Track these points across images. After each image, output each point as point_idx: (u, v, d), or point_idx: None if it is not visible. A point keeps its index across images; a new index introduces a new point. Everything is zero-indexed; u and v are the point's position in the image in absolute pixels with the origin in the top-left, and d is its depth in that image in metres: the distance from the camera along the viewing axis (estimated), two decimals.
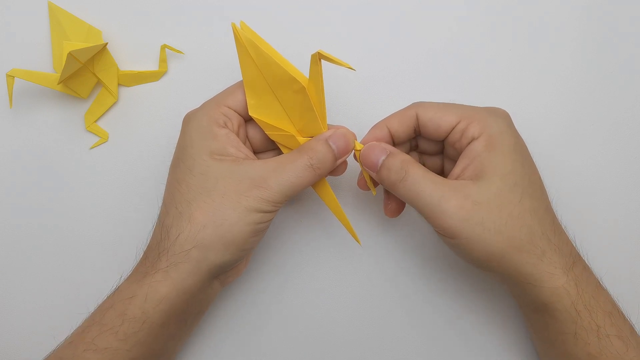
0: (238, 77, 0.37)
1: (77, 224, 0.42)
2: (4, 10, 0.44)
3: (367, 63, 0.43)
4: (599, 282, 0.34)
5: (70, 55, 0.38)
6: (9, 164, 0.43)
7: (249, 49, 0.34)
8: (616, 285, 0.36)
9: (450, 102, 0.37)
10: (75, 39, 0.42)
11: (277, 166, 0.34)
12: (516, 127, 0.36)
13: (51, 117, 0.43)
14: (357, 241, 0.38)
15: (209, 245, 0.33)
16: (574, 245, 0.35)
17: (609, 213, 0.42)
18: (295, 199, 0.42)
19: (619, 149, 0.43)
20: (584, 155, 0.43)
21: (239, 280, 0.41)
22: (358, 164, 0.37)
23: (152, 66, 0.43)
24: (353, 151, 0.36)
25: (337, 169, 0.36)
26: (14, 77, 0.40)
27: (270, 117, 0.35)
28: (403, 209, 0.39)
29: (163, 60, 0.43)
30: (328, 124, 0.36)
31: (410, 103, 0.36)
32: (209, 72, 0.43)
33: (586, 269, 0.34)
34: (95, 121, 0.43)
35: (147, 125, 0.43)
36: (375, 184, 0.38)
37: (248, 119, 0.37)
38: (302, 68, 0.35)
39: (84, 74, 0.41)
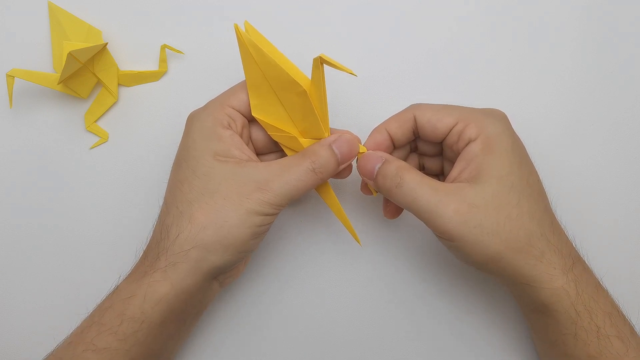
0: (238, 76, 0.37)
1: (77, 224, 0.42)
2: (4, 10, 0.44)
3: (367, 63, 0.43)
4: (599, 283, 0.34)
5: (70, 55, 0.38)
6: (9, 164, 0.43)
7: (251, 51, 0.34)
8: (616, 286, 0.36)
9: (450, 102, 0.37)
10: (75, 39, 0.42)
11: (279, 169, 0.34)
12: (516, 127, 0.36)
13: (51, 117, 0.43)
14: (358, 242, 0.38)
15: (209, 246, 0.32)
16: (574, 245, 0.35)
17: (609, 213, 0.42)
18: (297, 201, 0.42)
19: (619, 149, 0.43)
20: (584, 155, 0.43)
21: (239, 280, 0.41)
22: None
23: (152, 66, 0.43)
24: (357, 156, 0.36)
25: (341, 172, 0.36)
26: (14, 77, 0.40)
27: (273, 118, 0.35)
28: (402, 211, 0.39)
29: (163, 60, 0.43)
30: (332, 128, 0.36)
31: (410, 104, 0.36)
32: (209, 72, 0.43)
33: (586, 269, 0.34)
34: (95, 121, 0.43)
35: (147, 125, 0.43)
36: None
37: (251, 120, 0.37)
38: (302, 68, 0.35)
39: (84, 74, 0.41)
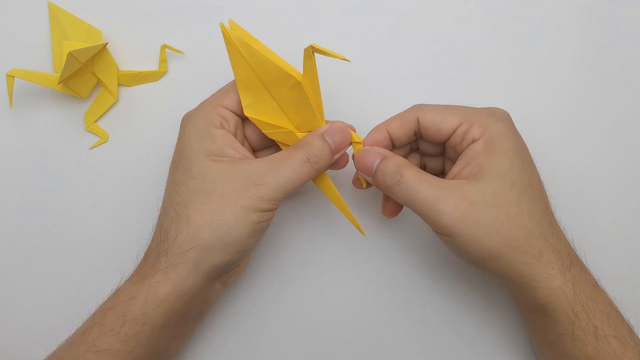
0: None
1: (77, 224, 0.42)
2: (4, 10, 0.44)
3: (367, 63, 0.43)
4: (597, 283, 0.34)
5: (70, 55, 0.38)
6: (9, 164, 0.43)
7: (240, 48, 0.33)
8: (616, 286, 0.36)
9: (450, 102, 0.37)
10: (75, 39, 0.42)
11: (273, 163, 0.34)
12: (516, 127, 0.36)
13: (51, 117, 0.43)
14: (362, 232, 0.38)
15: (208, 246, 0.32)
16: (572, 246, 0.35)
17: (608, 213, 0.42)
18: (295, 198, 0.42)
19: (619, 149, 0.43)
20: (584, 155, 0.43)
21: (240, 280, 0.41)
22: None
23: (152, 66, 0.43)
24: (352, 147, 0.36)
25: (338, 162, 0.36)
26: (14, 77, 0.40)
27: (267, 115, 0.35)
28: (401, 210, 0.39)
29: (163, 60, 0.43)
30: (326, 120, 0.36)
31: (411, 104, 0.36)
32: (209, 72, 0.43)
33: (584, 270, 0.34)
34: (95, 121, 0.43)
35: (147, 125, 0.43)
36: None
37: (245, 118, 0.37)
38: (301, 67, 0.35)
39: (84, 74, 0.41)
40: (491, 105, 0.37)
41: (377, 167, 0.35)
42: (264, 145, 0.38)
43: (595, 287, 0.34)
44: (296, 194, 0.42)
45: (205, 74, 0.43)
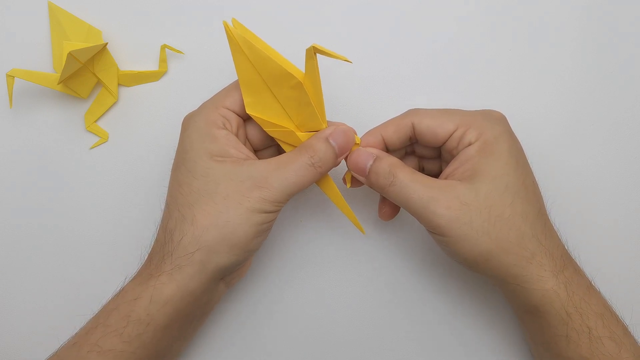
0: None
1: (77, 224, 0.42)
2: (4, 10, 0.44)
3: (367, 63, 0.43)
4: (591, 284, 0.34)
5: (70, 55, 0.38)
6: (9, 164, 0.43)
7: (242, 47, 0.33)
8: (616, 286, 0.36)
9: (450, 102, 0.37)
10: (75, 39, 0.42)
11: (278, 166, 0.34)
12: (516, 127, 0.36)
13: (51, 117, 0.43)
14: (361, 230, 0.38)
15: (213, 247, 0.32)
16: (566, 248, 0.35)
17: (608, 213, 0.42)
18: (295, 199, 0.42)
19: (619, 149, 0.43)
20: (584, 155, 0.43)
21: (241, 280, 0.41)
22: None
23: (152, 66, 0.43)
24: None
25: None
26: (14, 77, 0.40)
27: (268, 114, 0.35)
28: (397, 213, 0.39)
29: (163, 60, 0.43)
30: (328, 121, 0.36)
31: (411, 104, 0.37)
32: (209, 72, 0.43)
33: (577, 271, 0.34)
34: (95, 121, 0.43)
35: (147, 125, 0.43)
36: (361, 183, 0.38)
37: (246, 119, 0.37)
38: (301, 67, 0.35)
39: (84, 74, 0.41)
40: (491, 106, 0.37)
41: (370, 168, 0.35)
42: (266, 145, 0.38)
43: (589, 288, 0.34)
44: (296, 194, 0.42)
45: (205, 74, 0.43)
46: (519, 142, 0.35)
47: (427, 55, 0.43)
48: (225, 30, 0.33)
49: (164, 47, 0.42)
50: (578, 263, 0.35)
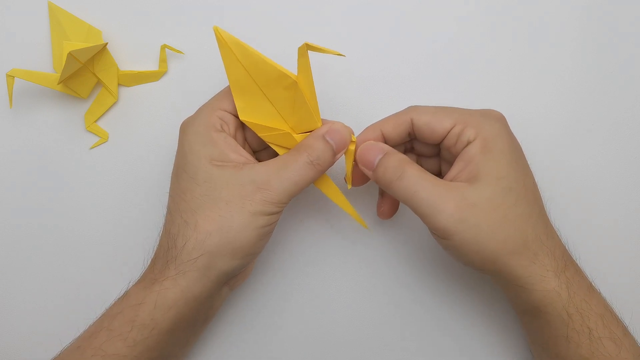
0: None
1: (77, 224, 0.42)
2: (4, 10, 0.44)
3: (367, 63, 0.43)
4: (592, 285, 0.34)
5: (70, 55, 0.38)
6: (9, 164, 0.43)
7: (233, 50, 0.33)
8: (616, 285, 0.36)
9: (450, 102, 0.37)
10: (75, 39, 0.42)
11: (277, 167, 0.34)
12: (516, 127, 0.36)
13: (51, 117, 0.43)
14: (364, 225, 0.38)
15: (217, 252, 0.33)
16: (567, 248, 0.35)
17: (608, 213, 0.42)
18: (295, 199, 0.42)
19: (619, 149, 0.43)
20: (584, 155, 0.43)
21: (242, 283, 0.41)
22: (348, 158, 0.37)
23: (152, 66, 0.43)
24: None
25: None
26: (14, 77, 0.40)
27: (262, 118, 0.35)
28: (396, 211, 0.39)
29: (163, 60, 0.43)
30: (322, 119, 0.36)
31: (411, 104, 0.36)
32: (209, 72, 0.43)
33: (578, 272, 0.34)
34: (95, 121, 0.43)
35: (147, 125, 0.43)
36: (364, 181, 0.38)
37: None
38: (294, 69, 0.35)
39: (84, 74, 0.41)
40: (491, 106, 0.37)
41: (379, 162, 0.34)
42: (264, 145, 0.38)
43: (589, 288, 0.34)
44: (297, 195, 0.42)
45: (205, 74, 0.43)
46: (518, 142, 0.35)
47: (427, 55, 0.43)
48: (216, 35, 0.33)
49: (164, 47, 0.42)
50: (578, 263, 0.35)
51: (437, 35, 0.44)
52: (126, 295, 0.34)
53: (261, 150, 0.38)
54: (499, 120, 0.35)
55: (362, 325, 0.41)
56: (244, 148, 0.36)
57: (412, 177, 0.33)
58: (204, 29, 0.43)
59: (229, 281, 0.36)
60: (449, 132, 0.34)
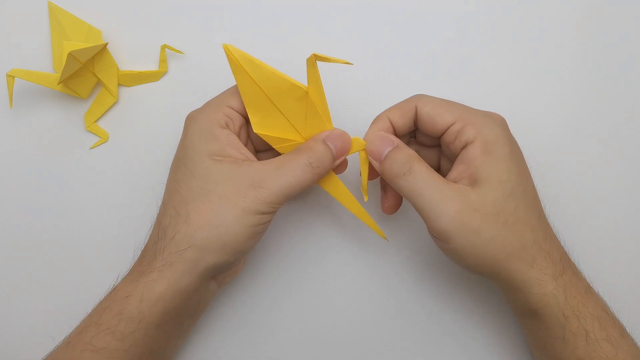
0: None
1: (77, 224, 0.42)
2: (3, 10, 0.44)
3: (367, 63, 0.43)
4: (589, 287, 0.34)
5: (70, 55, 0.38)
6: (9, 164, 0.43)
7: (244, 65, 0.34)
8: (615, 286, 0.36)
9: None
10: (75, 39, 0.42)
11: (275, 167, 0.34)
12: (516, 127, 0.36)
13: (51, 117, 0.43)
14: (383, 237, 0.38)
15: (205, 246, 0.32)
16: (566, 250, 0.35)
17: (608, 213, 0.42)
18: (295, 198, 0.42)
19: (619, 149, 0.43)
20: (583, 155, 0.43)
21: (238, 281, 0.41)
22: (359, 164, 0.37)
23: (152, 66, 0.43)
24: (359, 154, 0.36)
25: (337, 168, 0.36)
26: (14, 77, 0.40)
27: (276, 130, 0.35)
28: (400, 206, 0.38)
29: (163, 60, 0.43)
30: (335, 128, 0.36)
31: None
32: (209, 72, 0.43)
33: (576, 274, 0.34)
34: (95, 121, 0.43)
35: (147, 125, 0.43)
36: (372, 176, 0.38)
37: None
38: (303, 67, 0.35)
39: (84, 74, 0.41)
40: (491, 106, 0.37)
41: (388, 154, 0.34)
42: (268, 147, 0.38)
43: (587, 291, 0.34)
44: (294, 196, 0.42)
45: (205, 74, 0.43)
46: (518, 146, 0.35)
47: (427, 55, 0.43)
48: (226, 52, 0.34)
49: (164, 47, 0.42)
50: (577, 264, 0.35)
51: (437, 35, 0.44)
52: (114, 289, 0.34)
53: (265, 151, 0.38)
54: (501, 123, 0.35)
55: (362, 325, 0.41)
56: (246, 147, 0.36)
57: (419, 175, 0.33)
58: (204, 29, 0.43)
59: (217, 277, 0.36)
60: (448, 128, 0.34)
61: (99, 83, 0.43)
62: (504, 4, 0.44)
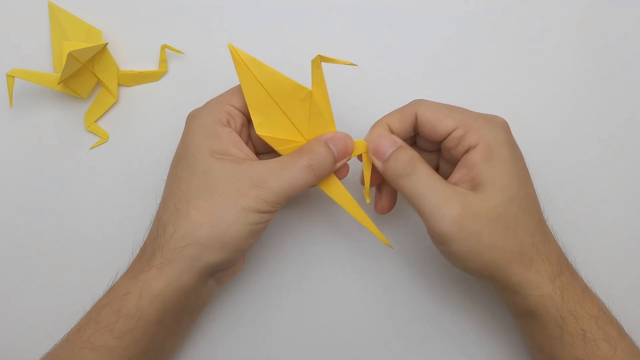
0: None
1: (77, 224, 0.42)
2: (4, 10, 0.44)
3: (367, 63, 0.43)
4: (587, 287, 0.34)
5: (70, 55, 0.38)
6: (9, 164, 0.43)
7: (249, 65, 0.34)
8: (614, 286, 0.36)
9: (450, 102, 0.37)
10: (75, 39, 0.42)
11: (276, 167, 0.34)
12: (516, 127, 0.36)
13: (51, 117, 0.43)
14: (388, 244, 0.37)
15: (205, 243, 0.33)
16: (563, 251, 0.35)
17: (608, 213, 0.42)
18: (295, 198, 0.42)
19: (619, 149, 0.43)
20: (584, 155, 0.43)
21: (238, 280, 0.41)
22: (361, 166, 0.37)
23: (152, 66, 0.43)
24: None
25: (338, 172, 0.36)
26: (14, 77, 0.40)
27: (279, 131, 0.35)
28: (393, 207, 0.38)
29: (163, 60, 0.43)
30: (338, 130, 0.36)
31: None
32: (209, 72, 0.43)
33: (573, 275, 0.34)
34: (95, 121, 0.43)
35: (147, 125, 0.43)
36: (374, 182, 0.38)
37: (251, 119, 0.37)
38: (302, 66, 0.35)
39: (84, 74, 0.41)
40: (491, 106, 0.37)
41: (391, 154, 0.34)
42: (269, 149, 0.38)
43: (584, 291, 0.34)
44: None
45: (205, 74, 0.43)
46: (519, 150, 0.35)
47: (427, 56, 0.43)
48: (231, 52, 0.34)
49: (164, 47, 0.42)
50: (576, 264, 0.35)
51: (437, 35, 0.44)
52: (113, 286, 0.34)
53: (266, 154, 0.38)
54: (502, 127, 0.35)
55: (362, 325, 0.41)
56: (247, 145, 0.36)
57: (421, 176, 0.33)
58: (204, 29, 0.43)
59: (216, 275, 0.36)
60: (450, 134, 0.34)
61: (99, 83, 0.43)
62: (504, 4, 0.44)
